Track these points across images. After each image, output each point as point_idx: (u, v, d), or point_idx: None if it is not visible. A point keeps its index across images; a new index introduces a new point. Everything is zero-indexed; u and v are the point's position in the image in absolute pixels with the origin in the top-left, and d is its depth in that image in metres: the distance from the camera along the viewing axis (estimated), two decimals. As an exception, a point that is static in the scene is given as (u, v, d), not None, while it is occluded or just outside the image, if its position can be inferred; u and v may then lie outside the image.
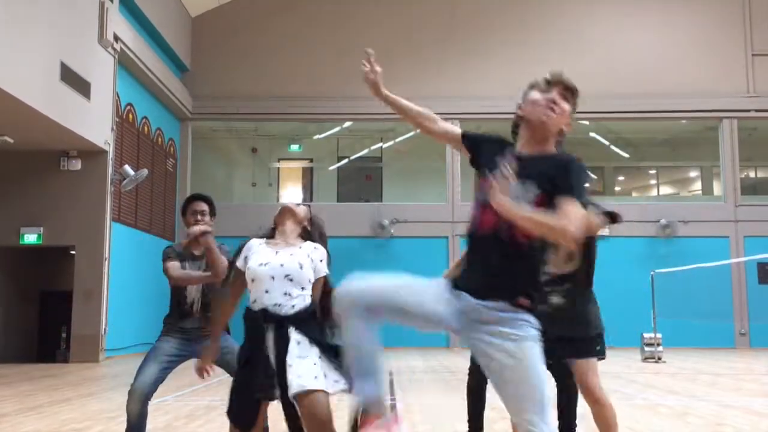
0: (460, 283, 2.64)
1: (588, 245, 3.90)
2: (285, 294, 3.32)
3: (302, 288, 3.36)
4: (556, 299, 3.92)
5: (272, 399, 3.26)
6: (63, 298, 14.18)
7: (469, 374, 4.87)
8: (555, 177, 2.55)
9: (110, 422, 6.18)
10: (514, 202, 2.46)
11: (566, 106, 2.71)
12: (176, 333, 4.22)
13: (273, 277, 3.33)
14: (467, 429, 4.86)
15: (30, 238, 13.90)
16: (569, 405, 4.65)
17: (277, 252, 3.43)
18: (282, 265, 3.35)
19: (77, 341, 13.66)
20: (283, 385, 3.17)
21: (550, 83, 2.73)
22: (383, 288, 2.58)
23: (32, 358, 14.70)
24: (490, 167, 2.61)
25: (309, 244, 3.51)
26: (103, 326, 13.87)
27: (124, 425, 4.08)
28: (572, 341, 3.87)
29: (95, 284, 13.87)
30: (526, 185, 2.55)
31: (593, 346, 3.89)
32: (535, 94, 2.72)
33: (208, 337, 4.24)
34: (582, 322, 3.90)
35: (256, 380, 3.25)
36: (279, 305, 3.30)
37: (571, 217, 2.46)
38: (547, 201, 2.52)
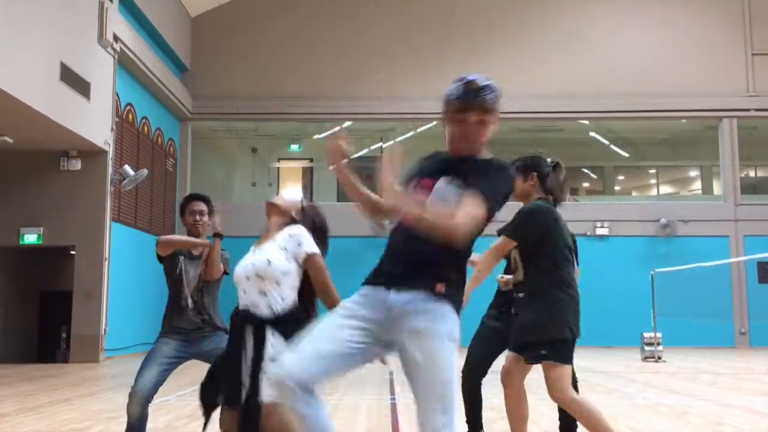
0: (375, 276, 2.56)
1: (532, 253, 3.87)
2: (260, 293, 3.25)
3: (277, 283, 3.26)
4: (515, 306, 3.97)
5: (236, 403, 3.19)
6: (63, 298, 14.18)
7: (462, 376, 4.87)
8: (470, 176, 2.48)
9: (110, 422, 6.18)
10: (408, 194, 2.42)
11: (485, 129, 2.60)
12: (175, 334, 4.22)
13: (247, 278, 3.29)
14: (467, 430, 4.86)
15: (30, 238, 13.90)
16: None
17: (254, 251, 3.38)
18: (253, 264, 3.29)
19: (77, 341, 13.66)
20: (255, 389, 3.11)
21: (465, 105, 2.57)
22: (311, 358, 2.44)
23: (32, 358, 14.71)
24: (422, 173, 2.63)
25: (284, 232, 3.38)
26: (103, 326, 13.87)
27: (125, 425, 4.09)
28: (526, 346, 3.88)
29: (95, 284, 13.87)
30: (453, 184, 2.51)
31: (538, 351, 3.80)
32: (452, 121, 2.61)
33: (207, 338, 4.25)
34: (528, 328, 3.85)
35: (224, 382, 3.24)
36: (256, 305, 3.25)
37: (462, 217, 2.36)
38: None
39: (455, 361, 2.46)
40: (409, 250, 2.51)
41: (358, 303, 2.55)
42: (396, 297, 2.46)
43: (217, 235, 4.22)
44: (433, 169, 2.64)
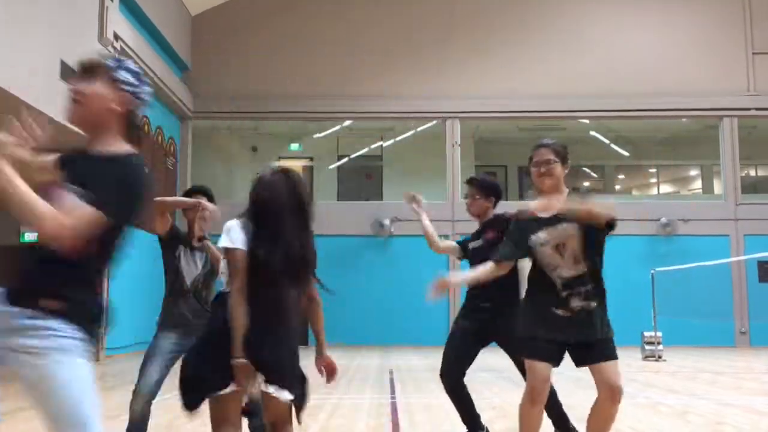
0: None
1: (599, 246, 3.78)
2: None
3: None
4: (577, 302, 3.69)
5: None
6: (63, 298, 14.16)
7: (441, 379, 4.85)
8: (87, 177, 2.20)
9: (111, 421, 6.18)
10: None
11: (92, 101, 2.33)
12: (174, 327, 4.23)
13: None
14: (466, 430, 4.85)
15: (30, 237, 13.88)
16: (553, 399, 4.58)
17: None
18: None
19: (77, 340, 13.64)
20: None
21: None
22: None
23: (33, 357, 14.70)
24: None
25: None
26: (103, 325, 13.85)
27: (125, 424, 4.09)
28: (592, 345, 3.69)
29: (95, 283, 13.85)
30: (70, 189, 2.20)
31: (613, 346, 3.73)
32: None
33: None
34: (602, 325, 3.73)
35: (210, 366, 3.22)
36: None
37: (74, 214, 2.09)
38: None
39: (82, 374, 2.27)
40: (27, 261, 2.31)
41: None
42: (5, 310, 2.21)
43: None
44: (65, 174, 2.30)
